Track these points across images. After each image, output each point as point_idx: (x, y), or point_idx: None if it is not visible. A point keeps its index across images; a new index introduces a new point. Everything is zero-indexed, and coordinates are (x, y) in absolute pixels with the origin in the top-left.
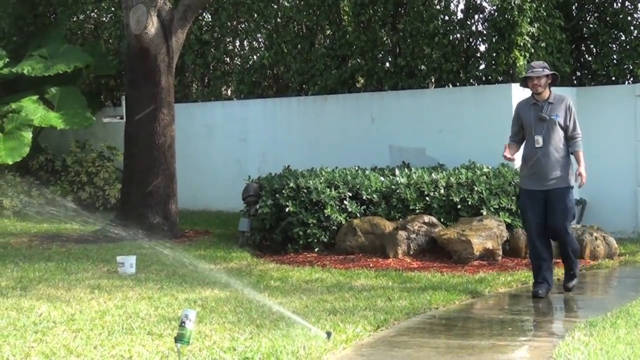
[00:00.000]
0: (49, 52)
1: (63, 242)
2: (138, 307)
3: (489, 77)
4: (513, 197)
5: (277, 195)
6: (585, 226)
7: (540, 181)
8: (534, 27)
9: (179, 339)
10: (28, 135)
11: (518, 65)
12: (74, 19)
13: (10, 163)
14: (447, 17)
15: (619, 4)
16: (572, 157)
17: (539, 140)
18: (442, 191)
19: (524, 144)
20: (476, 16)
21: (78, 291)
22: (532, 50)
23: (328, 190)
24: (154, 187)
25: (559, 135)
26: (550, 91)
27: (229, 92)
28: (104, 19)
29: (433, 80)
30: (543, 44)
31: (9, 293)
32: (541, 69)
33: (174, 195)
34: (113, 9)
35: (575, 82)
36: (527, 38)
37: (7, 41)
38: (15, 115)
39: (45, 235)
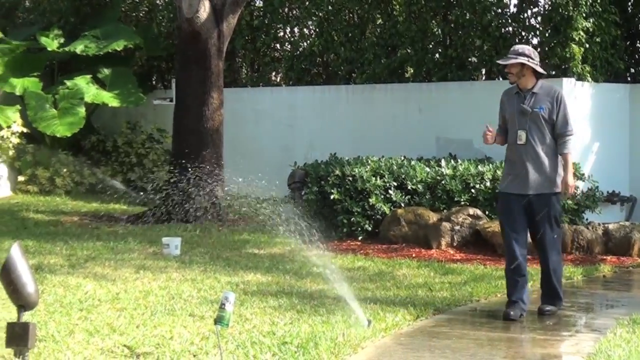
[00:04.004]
0: (102, 32)
1: (112, 222)
2: (181, 288)
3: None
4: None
5: (323, 182)
6: (634, 223)
7: (521, 184)
8: (589, 22)
9: (218, 321)
10: (81, 109)
11: (574, 59)
12: (129, 1)
13: (69, 135)
14: (499, 10)
15: None
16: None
17: (522, 136)
18: (488, 184)
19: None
20: (530, 10)
21: (124, 271)
22: (587, 46)
23: (373, 179)
24: (201, 170)
25: (545, 132)
26: (536, 79)
27: (278, 79)
28: (158, 1)
29: (483, 72)
30: (598, 39)
31: (58, 270)
32: (514, 56)
33: (220, 179)
34: None
35: (629, 78)
36: (581, 33)
37: (64, 22)
38: (67, 91)
39: (95, 215)
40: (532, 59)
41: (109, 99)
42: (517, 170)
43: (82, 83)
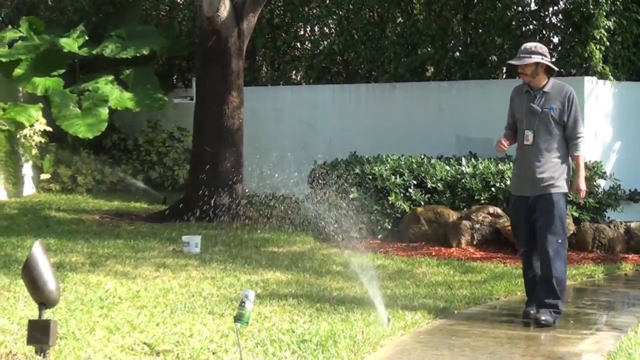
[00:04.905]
0: (126, 33)
1: (132, 220)
2: (201, 286)
3: (561, 70)
4: None
5: (342, 180)
6: None
7: (529, 186)
8: (610, 20)
9: (238, 318)
10: (104, 111)
11: (594, 58)
12: (150, 0)
13: (91, 137)
14: (520, 8)
15: None
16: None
17: (529, 136)
18: (508, 182)
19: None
20: (550, 8)
21: (144, 269)
22: (608, 44)
23: (393, 177)
24: (221, 169)
25: (554, 132)
26: (548, 78)
27: (298, 77)
28: (179, 0)
29: (504, 71)
30: (619, 38)
31: (79, 268)
32: (527, 55)
33: (240, 178)
34: None
35: None
36: (602, 32)
37: (87, 21)
38: (91, 93)
39: (115, 213)
40: (545, 56)
41: (132, 103)
42: (524, 171)
43: (104, 86)
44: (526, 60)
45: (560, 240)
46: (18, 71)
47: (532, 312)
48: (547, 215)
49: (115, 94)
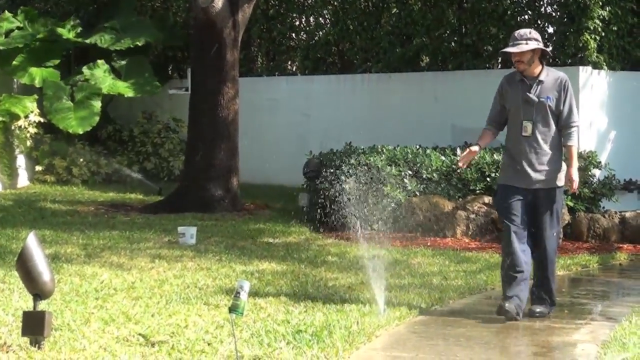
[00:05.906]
0: (120, 24)
1: (127, 211)
2: (196, 277)
3: (557, 60)
4: None
5: (338, 171)
6: None
7: (524, 178)
8: (606, 10)
9: (233, 309)
10: (97, 104)
11: (588, 48)
12: None
13: (81, 132)
14: None
15: None
16: None
17: (527, 127)
18: None
19: (506, 129)
20: None
21: (139, 260)
22: (603, 34)
23: (388, 167)
24: (217, 159)
25: (550, 123)
26: (542, 65)
27: (294, 68)
28: None
29: (499, 61)
30: (614, 28)
31: (74, 260)
32: (524, 42)
33: (235, 169)
34: None
35: None
36: (597, 22)
37: (83, 12)
38: (84, 84)
39: (111, 204)
40: (540, 41)
41: (125, 89)
42: (520, 163)
43: (99, 73)
44: (523, 47)
45: (556, 233)
46: (15, 63)
47: (507, 306)
48: (546, 210)
49: (108, 82)
